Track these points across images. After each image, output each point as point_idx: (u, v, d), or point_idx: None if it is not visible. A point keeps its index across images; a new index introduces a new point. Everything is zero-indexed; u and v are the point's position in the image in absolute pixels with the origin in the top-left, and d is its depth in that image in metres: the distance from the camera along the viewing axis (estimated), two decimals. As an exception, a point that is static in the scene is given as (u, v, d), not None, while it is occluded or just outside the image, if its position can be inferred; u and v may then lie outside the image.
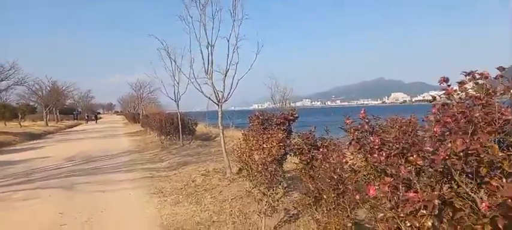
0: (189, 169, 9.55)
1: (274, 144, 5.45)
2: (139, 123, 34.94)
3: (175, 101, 15.24)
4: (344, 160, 3.30)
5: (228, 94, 8.22)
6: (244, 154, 6.31)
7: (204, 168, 9.52)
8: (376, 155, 2.40)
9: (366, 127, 2.72)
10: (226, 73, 8.06)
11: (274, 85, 12.24)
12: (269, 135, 5.69)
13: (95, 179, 8.78)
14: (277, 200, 4.80)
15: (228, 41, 7.99)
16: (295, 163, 5.55)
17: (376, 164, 2.45)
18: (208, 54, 8.18)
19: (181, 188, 7.52)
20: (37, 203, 6.66)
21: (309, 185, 3.51)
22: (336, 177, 2.99)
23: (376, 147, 2.53)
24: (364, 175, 3.15)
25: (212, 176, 8.17)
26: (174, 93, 15.07)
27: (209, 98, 8.34)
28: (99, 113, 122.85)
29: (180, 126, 15.47)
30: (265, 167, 4.64)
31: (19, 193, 7.43)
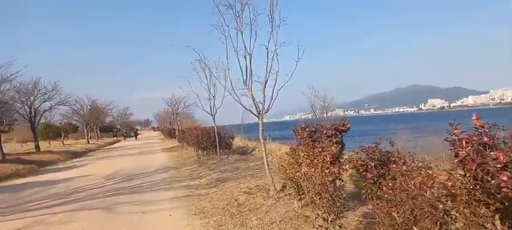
0: (230, 186, 9.04)
1: (328, 158, 4.81)
2: (175, 138, 35.20)
3: (212, 115, 14.92)
4: (436, 181, 2.61)
5: (268, 105, 7.67)
6: (291, 171, 5.70)
7: (245, 184, 8.98)
8: (505, 179, 1.72)
9: (485, 139, 2.03)
10: (266, 82, 7.53)
11: (313, 94, 11.55)
12: (320, 149, 5.06)
13: (134, 199, 8.47)
14: (341, 227, 4.10)
15: (267, 48, 7.47)
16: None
17: (505, 190, 1.77)
18: (247, 63, 7.71)
19: (224, 208, 7.01)
20: (75, 227, 6.38)
21: (393, 214, 2.79)
22: (441, 206, 2.29)
23: (499, 166, 1.85)
24: (465, 201, 2.44)
25: (255, 195, 7.60)
26: (210, 106, 14.77)
27: (249, 110, 7.83)
28: (137, 129, 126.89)
29: (217, 140, 15.10)
30: (325, 187, 3.98)
31: (57, 216, 7.22)
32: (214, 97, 14.46)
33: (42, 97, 29.37)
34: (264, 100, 7.66)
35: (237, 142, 21.26)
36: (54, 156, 24.84)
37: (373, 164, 4.03)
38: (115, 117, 77.18)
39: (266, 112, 7.81)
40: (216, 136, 15.19)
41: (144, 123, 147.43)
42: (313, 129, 5.68)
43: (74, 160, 23.38)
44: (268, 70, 7.51)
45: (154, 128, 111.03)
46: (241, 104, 7.90)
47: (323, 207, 4.02)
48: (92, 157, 24.68)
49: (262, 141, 7.94)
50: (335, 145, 5.18)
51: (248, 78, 7.71)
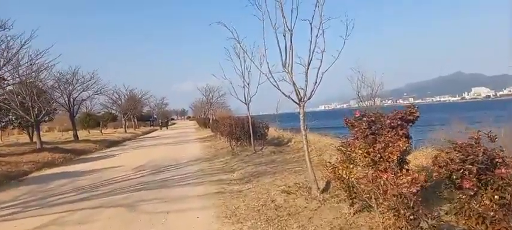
0: (265, 183, 8.05)
1: (394, 157, 3.66)
2: (209, 127, 34.80)
3: (246, 103, 13.97)
4: None
5: (312, 91, 6.54)
6: (344, 170, 4.58)
7: (282, 181, 7.96)
8: None
9: None
10: (309, 64, 6.39)
11: (359, 80, 10.18)
12: (384, 144, 3.91)
13: (160, 196, 7.70)
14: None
15: (311, 23, 6.32)
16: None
17: None
18: (286, 42, 6.60)
19: (259, 210, 6.02)
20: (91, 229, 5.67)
21: None
22: None
23: None
24: None
25: (295, 194, 6.54)
26: (244, 95, 13.83)
27: (289, 97, 6.73)
28: (173, 119, 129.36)
29: (251, 130, 14.16)
30: (405, 201, 2.84)
31: (77, 214, 6.57)
32: (248, 84, 13.53)
33: (80, 86, 29.84)
34: (306, 85, 6.55)
35: (272, 132, 20.24)
36: (91, 145, 25.09)
37: (474, 169, 2.83)
38: (152, 107, 78.70)
39: (309, 99, 6.70)
40: (250, 126, 14.25)
41: (180, 113, 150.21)
42: (373, 119, 4.52)
43: (109, 149, 23.43)
44: (311, 50, 6.38)
45: (190, 118, 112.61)
46: (279, 90, 6.82)
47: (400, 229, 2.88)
48: (126, 147, 24.67)
49: (303, 132, 6.84)
50: (403, 140, 4.00)
51: (288, 59, 6.61)
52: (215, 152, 16.25)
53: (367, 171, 4.07)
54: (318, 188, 6.52)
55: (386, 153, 3.95)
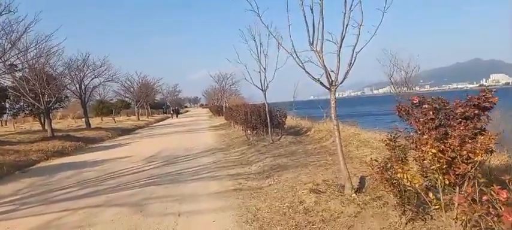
0: (289, 178, 7.13)
1: (477, 158, 2.68)
2: (222, 115, 34.03)
3: (262, 90, 12.99)
4: None
5: (345, 73, 5.52)
6: (405, 175, 3.60)
7: (307, 177, 7.02)
8: None
9: None
10: (342, 40, 5.36)
11: (392, 63, 9.01)
12: (459, 140, 2.93)
13: (170, 192, 6.87)
14: None
15: (345, -8, 5.28)
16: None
17: None
18: (314, 17, 5.58)
19: (285, 214, 5.11)
20: (91, 235, 4.86)
21: None
22: None
23: None
24: None
25: (326, 194, 5.60)
26: (260, 80, 12.84)
27: (318, 81, 5.73)
28: (186, 106, 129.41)
29: (268, 118, 13.21)
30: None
31: (78, 214, 5.78)
32: (265, 69, 12.54)
33: (91, 73, 29.30)
34: (338, 67, 5.53)
35: (288, 120, 19.28)
36: (103, 132, 24.59)
37: None
38: (165, 94, 78.46)
39: (341, 84, 5.70)
40: (268, 114, 13.30)
41: (193, 101, 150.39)
42: (435, 106, 3.51)
43: (121, 137, 22.87)
44: (344, 24, 5.35)
45: (203, 105, 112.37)
46: (307, 72, 5.80)
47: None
48: (138, 135, 24.08)
49: (335, 122, 5.84)
50: (489, 135, 3.00)
51: (316, 35, 5.59)
52: (230, 141, 15.40)
53: (436, 176, 3.08)
54: (353, 188, 5.57)
55: (465, 152, 2.96)
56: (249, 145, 12.96)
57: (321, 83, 5.73)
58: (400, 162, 3.82)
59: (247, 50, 12.27)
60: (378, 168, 4.01)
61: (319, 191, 5.84)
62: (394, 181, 3.95)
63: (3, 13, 13.36)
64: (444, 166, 2.99)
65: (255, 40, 12.10)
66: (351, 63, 5.43)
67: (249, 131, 15.41)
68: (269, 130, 13.28)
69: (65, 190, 7.64)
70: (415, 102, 3.69)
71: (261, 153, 10.90)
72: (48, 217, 5.73)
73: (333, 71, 5.62)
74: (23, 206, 6.59)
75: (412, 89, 10.07)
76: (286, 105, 21.37)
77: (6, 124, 34.57)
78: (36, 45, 16.78)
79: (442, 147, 3.02)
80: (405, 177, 3.25)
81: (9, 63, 18.35)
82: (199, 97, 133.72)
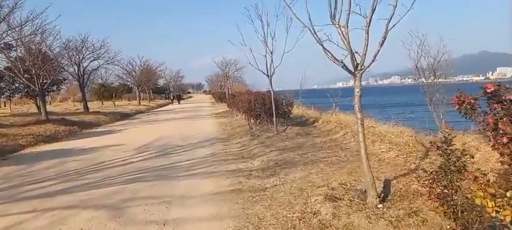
0: (297, 178, 6.11)
1: None
2: (225, 102, 33.02)
3: (268, 76, 11.88)
4: None
5: (375, 54, 4.43)
6: (478, 194, 2.53)
7: (319, 177, 5.99)
8: None
9: None
10: (373, 12, 4.26)
11: (419, 48, 7.81)
12: None
13: (158, 192, 5.86)
14: None
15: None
16: None
17: None
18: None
19: (295, 228, 4.09)
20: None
21: None
22: None
23: None
24: None
25: (346, 204, 4.55)
26: (266, 65, 11.72)
27: (340, 63, 4.63)
28: (190, 92, 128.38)
29: (273, 107, 12.14)
30: None
31: (41, 218, 4.78)
32: (271, 53, 11.41)
33: (90, 55, 28.24)
34: (366, 47, 4.42)
35: (294, 110, 18.20)
36: (101, 117, 23.70)
37: None
38: (167, 80, 77.41)
39: (368, 68, 4.60)
40: (273, 102, 12.22)
41: (197, 87, 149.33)
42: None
43: (119, 122, 21.96)
44: (375, -5, 4.24)
45: (206, 92, 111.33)
46: (328, 52, 4.67)
47: None
48: (137, 121, 23.15)
49: (358, 115, 4.73)
50: None
51: (339, 6, 4.48)
52: (231, 131, 14.39)
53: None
54: (378, 196, 4.53)
55: None
56: (252, 135, 11.93)
57: (344, 66, 4.63)
58: (456, 173, 2.78)
59: (253, 30, 11.16)
60: (427, 179, 2.95)
61: (336, 198, 4.80)
62: (449, 199, 2.91)
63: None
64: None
65: (261, 20, 10.99)
66: (382, 41, 4.32)
67: (252, 120, 14.37)
68: (274, 120, 12.22)
69: (39, 185, 6.66)
70: (490, 90, 2.61)
71: (264, 145, 9.87)
72: (8, 220, 4.75)
73: (357, 53, 4.53)
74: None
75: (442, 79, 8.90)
76: (290, 93, 20.30)
77: (5, 106, 33.80)
78: (30, 21, 15.70)
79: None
80: (490, 206, 2.19)
81: (2, 42, 17.39)
82: (202, 84, 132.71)
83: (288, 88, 24.19)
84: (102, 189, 6.12)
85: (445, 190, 2.99)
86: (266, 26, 10.94)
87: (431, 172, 3.02)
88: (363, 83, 4.81)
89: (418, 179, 3.09)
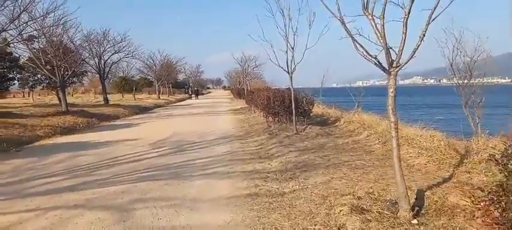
0: (318, 183, 5.61)
1: None
2: (244, 98, 32.68)
3: (288, 72, 11.36)
4: None
5: (413, 51, 3.88)
6: None
7: (344, 183, 5.48)
8: None
9: None
10: (412, 2, 3.71)
11: (455, 46, 7.11)
12: None
13: (169, 193, 5.49)
14: None
15: None
16: None
17: None
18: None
19: (316, 244, 3.62)
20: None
21: None
22: None
23: None
24: None
25: (375, 218, 4.03)
26: (287, 61, 11.21)
27: (374, 60, 4.10)
28: (209, 88, 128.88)
29: (293, 105, 11.62)
30: None
31: (43, 218, 4.46)
32: (293, 48, 10.89)
33: (111, 48, 28.40)
34: (404, 43, 3.88)
35: (314, 108, 17.62)
36: (120, 110, 23.78)
37: None
38: (187, 75, 77.80)
39: (405, 65, 4.05)
40: (293, 100, 11.70)
41: (216, 82, 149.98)
42: None
43: (137, 116, 21.95)
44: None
45: (225, 87, 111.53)
46: (358, 45, 4.13)
47: None
48: (155, 115, 23.07)
49: (392, 118, 4.19)
50: None
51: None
52: (249, 128, 13.97)
53: None
54: (411, 209, 4.00)
55: None
56: (270, 134, 11.46)
57: (378, 63, 4.09)
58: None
59: (274, 25, 10.67)
60: (483, 201, 2.42)
61: (364, 209, 4.29)
62: (509, 225, 2.37)
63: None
64: None
65: (283, 15, 10.49)
66: (422, 35, 3.77)
67: (270, 118, 13.90)
68: (293, 118, 11.70)
69: (48, 179, 6.41)
70: None
71: (283, 144, 9.39)
72: (7, 219, 4.46)
73: (392, 48, 3.99)
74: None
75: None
76: (310, 91, 19.67)
77: (29, 96, 34.56)
78: (52, 12, 15.77)
79: None
80: None
81: (25, 33, 17.53)
82: (222, 79, 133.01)
83: (306, 86, 23.59)
84: (111, 187, 5.79)
85: (504, 214, 2.45)
86: (288, 19, 10.45)
87: (489, 192, 2.48)
88: (383, 82, 4.27)
89: (463, 193, 2.54)
